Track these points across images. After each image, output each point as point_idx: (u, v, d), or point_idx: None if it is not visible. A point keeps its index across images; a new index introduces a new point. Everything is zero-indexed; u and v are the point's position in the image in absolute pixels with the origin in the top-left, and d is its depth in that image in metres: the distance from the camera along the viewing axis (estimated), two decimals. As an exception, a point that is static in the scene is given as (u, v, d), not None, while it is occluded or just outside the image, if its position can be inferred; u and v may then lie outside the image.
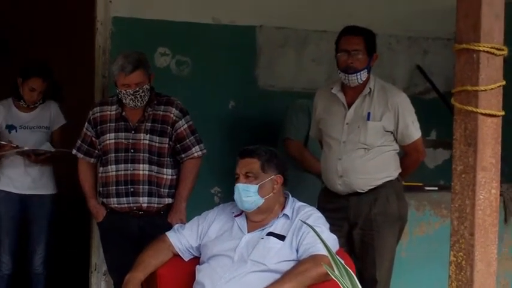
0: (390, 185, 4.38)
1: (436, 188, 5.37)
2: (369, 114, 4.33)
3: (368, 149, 4.33)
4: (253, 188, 3.64)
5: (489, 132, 2.27)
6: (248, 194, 3.64)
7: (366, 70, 4.31)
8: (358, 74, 4.29)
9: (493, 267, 2.31)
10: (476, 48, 2.26)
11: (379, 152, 4.35)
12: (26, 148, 5.01)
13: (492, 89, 2.27)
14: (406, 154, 4.49)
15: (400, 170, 4.45)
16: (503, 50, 2.30)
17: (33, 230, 5.21)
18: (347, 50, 4.31)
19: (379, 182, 4.36)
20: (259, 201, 3.65)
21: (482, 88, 2.25)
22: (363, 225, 4.33)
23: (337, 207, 4.29)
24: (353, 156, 4.34)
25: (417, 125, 4.42)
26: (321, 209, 3.98)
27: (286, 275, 3.42)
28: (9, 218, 5.12)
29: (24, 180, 5.12)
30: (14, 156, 5.06)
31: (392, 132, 4.36)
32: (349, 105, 4.39)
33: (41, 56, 5.29)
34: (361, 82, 4.33)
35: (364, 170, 4.33)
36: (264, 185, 3.66)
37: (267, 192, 3.67)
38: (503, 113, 2.31)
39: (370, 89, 4.36)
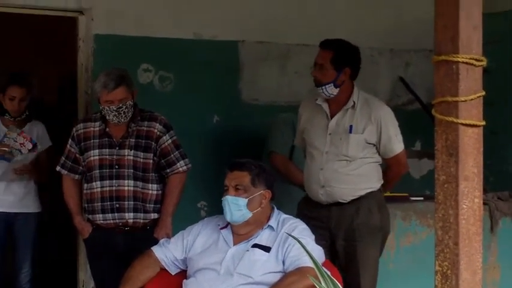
0: (372, 196, 4.39)
1: (422, 198, 5.38)
2: (351, 127, 4.34)
3: (350, 161, 4.34)
4: (243, 201, 3.64)
5: (470, 142, 2.29)
6: (237, 208, 3.64)
7: (331, 84, 4.30)
8: (324, 87, 4.31)
9: (478, 276, 2.32)
10: (455, 59, 2.27)
11: (361, 163, 4.36)
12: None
13: (472, 99, 2.28)
14: (388, 167, 4.50)
15: (382, 182, 4.47)
16: (482, 60, 2.31)
17: (18, 248, 5.17)
18: (315, 63, 4.38)
19: (361, 193, 4.37)
20: (248, 214, 3.65)
21: (462, 99, 2.26)
22: (346, 237, 4.33)
23: (318, 216, 4.27)
24: (335, 167, 4.35)
25: (400, 138, 4.43)
26: (301, 216, 4.00)
27: (274, 286, 3.42)
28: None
29: (8, 198, 5.09)
30: None
31: (375, 145, 4.38)
32: (332, 116, 4.40)
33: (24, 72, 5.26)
34: (330, 95, 4.34)
35: (346, 180, 4.34)
36: (254, 199, 3.66)
37: (256, 206, 3.67)
38: (483, 123, 2.32)
39: (353, 102, 4.37)
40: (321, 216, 4.27)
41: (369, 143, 4.35)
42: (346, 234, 4.33)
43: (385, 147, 4.37)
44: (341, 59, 4.34)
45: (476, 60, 2.29)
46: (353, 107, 4.37)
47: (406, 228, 5.11)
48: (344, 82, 4.35)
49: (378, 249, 4.46)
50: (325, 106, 4.42)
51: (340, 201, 4.37)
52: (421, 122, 5.90)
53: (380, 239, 4.46)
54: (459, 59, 2.26)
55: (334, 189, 4.34)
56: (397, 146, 4.41)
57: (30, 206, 5.17)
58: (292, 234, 3.50)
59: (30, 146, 5.04)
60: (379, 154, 4.41)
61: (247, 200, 3.64)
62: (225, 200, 3.66)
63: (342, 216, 4.35)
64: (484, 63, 2.32)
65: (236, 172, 3.70)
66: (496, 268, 5.41)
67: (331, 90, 4.32)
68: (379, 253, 4.47)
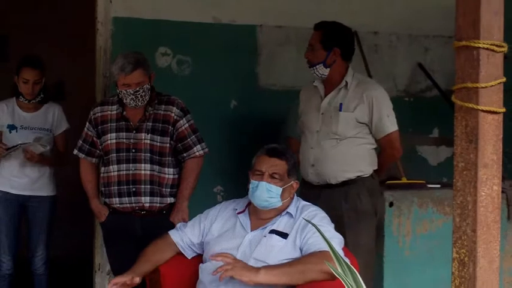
0: (362, 182, 4.42)
1: (439, 186, 5.35)
2: (341, 105, 4.40)
3: (339, 139, 4.38)
4: (277, 190, 3.63)
5: (490, 129, 2.27)
6: (271, 195, 3.62)
7: (321, 64, 4.39)
8: (315, 67, 4.42)
9: (496, 264, 2.31)
10: (476, 45, 2.25)
11: (351, 144, 4.39)
12: (18, 144, 5.00)
13: (493, 85, 2.26)
14: (381, 149, 4.54)
15: (375, 167, 4.49)
16: (503, 46, 2.29)
17: (33, 231, 5.20)
18: (308, 44, 4.46)
19: (351, 175, 4.40)
20: (279, 203, 3.65)
21: (483, 85, 2.24)
22: (334, 221, 4.31)
23: (310, 197, 4.21)
24: (324, 146, 4.40)
25: (393, 119, 4.45)
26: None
27: (289, 262, 3.42)
28: (8, 218, 5.11)
29: (22, 180, 5.11)
30: (11, 155, 5.04)
31: (367, 125, 4.40)
32: (326, 96, 4.48)
33: (42, 56, 5.26)
34: (322, 76, 4.43)
35: (335, 159, 4.38)
36: (286, 189, 3.66)
37: (286, 196, 3.67)
38: (504, 109, 2.30)
39: (346, 82, 4.43)
40: (311, 198, 4.21)
41: (361, 122, 4.39)
42: (334, 218, 4.32)
43: (376, 126, 4.41)
44: (330, 38, 4.41)
45: (497, 46, 2.26)
46: (346, 86, 4.44)
47: (423, 215, 5.09)
48: (335, 62, 4.42)
49: (371, 236, 4.46)
50: (321, 87, 4.51)
51: (328, 182, 4.40)
52: (438, 109, 5.88)
53: (373, 225, 4.46)
54: (480, 45, 2.24)
55: (323, 169, 4.39)
56: (389, 126, 4.43)
57: (44, 189, 5.18)
58: (312, 221, 3.48)
59: None
60: (373, 136, 4.44)
61: (281, 189, 3.63)
62: (258, 185, 3.62)
63: (330, 199, 4.37)
64: (505, 49, 2.30)
65: (275, 159, 3.67)
66: (512, 257, 5.39)
67: (322, 70, 4.41)
68: (371, 240, 4.47)
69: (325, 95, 4.48)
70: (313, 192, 4.40)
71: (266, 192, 3.61)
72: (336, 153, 4.38)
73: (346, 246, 4.21)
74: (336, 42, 4.42)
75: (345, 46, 4.47)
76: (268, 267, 3.38)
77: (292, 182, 3.70)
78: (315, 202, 4.07)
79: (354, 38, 4.64)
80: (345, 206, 4.37)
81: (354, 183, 4.41)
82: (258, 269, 3.35)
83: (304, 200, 3.84)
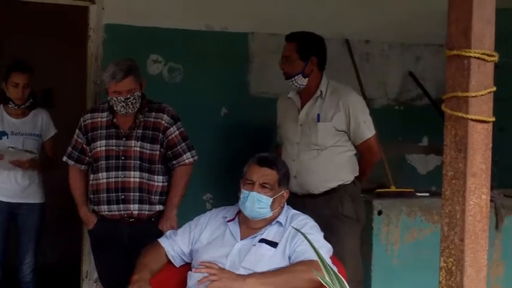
0: (344, 189, 4.46)
1: (428, 194, 5.37)
2: (318, 116, 4.42)
3: (320, 150, 4.41)
4: (267, 200, 3.61)
5: (479, 138, 2.27)
6: (261, 205, 3.61)
7: (300, 75, 4.42)
8: (293, 79, 4.44)
9: (483, 273, 2.31)
10: (467, 54, 2.25)
11: (332, 153, 4.42)
12: (7, 147, 4.99)
13: (483, 95, 2.26)
14: (360, 155, 4.57)
15: (357, 173, 4.53)
16: (494, 56, 2.29)
17: (21, 238, 5.18)
18: (282, 56, 4.48)
19: (333, 185, 4.43)
20: (269, 213, 3.64)
21: (473, 94, 2.25)
22: None
23: (296, 207, 4.13)
24: (306, 157, 4.43)
25: (370, 125, 4.49)
26: None
27: (276, 270, 3.40)
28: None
29: (12, 188, 5.09)
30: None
31: (346, 132, 4.43)
32: (302, 108, 4.50)
33: (32, 62, 5.25)
34: (300, 86, 4.45)
35: (317, 170, 4.41)
36: (276, 199, 3.65)
37: (277, 206, 3.66)
38: (493, 119, 2.31)
39: (321, 91, 4.46)
40: (297, 208, 4.22)
41: (339, 130, 4.42)
42: (320, 227, 4.33)
43: (354, 133, 4.45)
44: (306, 48, 4.44)
45: (488, 55, 2.27)
46: (321, 96, 4.46)
47: (411, 224, 5.10)
48: (312, 71, 4.45)
49: (355, 241, 4.48)
50: (296, 99, 4.55)
51: (312, 192, 4.43)
52: (429, 118, 5.89)
53: (356, 230, 4.48)
54: (471, 54, 2.24)
55: (306, 180, 4.42)
56: (366, 131, 4.47)
57: (34, 196, 5.17)
58: (302, 230, 3.46)
59: None
60: (351, 142, 4.48)
61: (271, 199, 3.62)
62: (250, 196, 3.61)
63: (314, 207, 4.37)
64: (496, 58, 2.30)
65: (266, 169, 3.66)
66: (500, 265, 5.40)
67: (301, 80, 4.44)
68: (357, 246, 4.48)
69: (302, 106, 4.51)
70: (298, 202, 4.38)
71: (256, 202, 3.60)
72: (317, 164, 4.41)
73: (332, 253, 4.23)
74: (312, 51, 4.47)
75: (320, 55, 4.51)
76: (255, 275, 3.37)
77: (283, 191, 3.69)
78: (301, 212, 4.08)
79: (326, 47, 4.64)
80: (327, 213, 4.40)
81: (337, 191, 4.45)
82: (244, 277, 3.34)
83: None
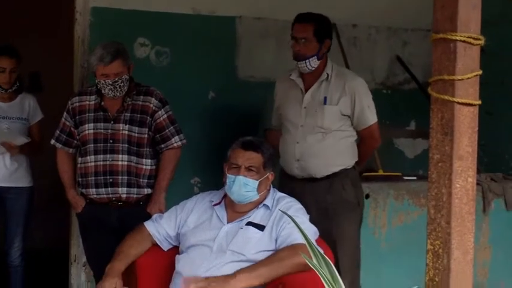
0: (345, 174, 4.44)
1: (415, 178, 5.39)
2: (325, 98, 4.41)
3: (325, 133, 4.39)
4: (254, 183, 3.63)
5: (466, 121, 2.28)
6: (247, 189, 3.62)
7: (315, 57, 4.38)
8: (307, 61, 4.37)
9: (470, 256, 2.32)
10: (453, 37, 2.26)
11: (336, 137, 4.41)
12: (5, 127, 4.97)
13: (469, 78, 2.27)
14: (361, 140, 4.55)
15: (356, 159, 4.52)
16: (480, 39, 2.30)
17: (10, 222, 5.17)
18: (296, 37, 4.40)
19: (335, 169, 4.41)
20: (255, 196, 3.65)
21: (459, 77, 2.25)
22: (320, 214, 4.32)
23: (292, 191, 4.18)
24: (310, 140, 4.40)
25: (373, 110, 4.48)
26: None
27: (263, 261, 3.41)
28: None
29: (0, 171, 5.08)
30: None
31: (349, 117, 4.43)
32: (307, 90, 4.47)
33: (19, 46, 5.23)
34: (312, 69, 4.40)
35: (321, 154, 4.38)
36: (262, 181, 3.66)
37: (263, 188, 3.68)
38: (479, 102, 2.32)
39: (327, 74, 4.44)
40: (295, 191, 4.20)
41: (344, 115, 4.41)
42: (320, 211, 4.33)
43: (358, 118, 4.43)
44: (322, 31, 4.42)
45: (474, 39, 2.28)
46: (327, 79, 4.45)
47: (399, 207, 5.13)
48: (323, 54, 4.42)
49: (356, 226, 4.49)
50: (299, 81, 4.50)
51: (313, 176, 4.41)
52: (416, 102, 5.90)
53: (357, 215, 4.49)
54: (457, 37, 2.25)
55: (309, 163, 4.40)
56: (370, 117, 4.46)
57: (22, 180, 5.16)
58: (287, 212, 3.48)
59: None
60: (354, 127, 4.46)
61: (258, 182, 3.64)
62: (236, 180, 3.62)
63: (315, 191, 4.38)
64: (482, 42, 2.31)
65: (251, 152, 3.67)
66: (487, 249, 5.44)
67: (314, 63, 4.40)
68: (357, 231, 4.49)
69: (305, 88, 4.47)
70: (298, 185, 4.40)
71: (243, 186, 3.62)
72: (322, 147, 4.39)
73: (334, 238, 4.24)
74: (327, 34, 4.45)
75: (331, 38, 4.50)
76: (244, 270, 3.37)
77: (268, 174, 3.70)
78: (300, 195, 4.09)
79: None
80: (330, 198, 4.39)
81: (338, 176, 4.43)
82: (234, 275, 3.34)
83: (289, 194, 3.85)
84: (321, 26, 4.41)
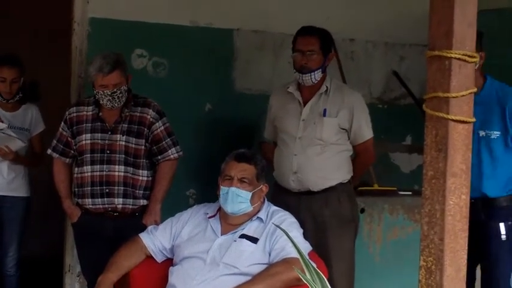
0: (342, 187, 4.44)
1: (410, 193, 5.40)
2: (325, 110, 4.40)
3: (324, 146, 4.38)
4: (247, 194, 3.65)
5: (460, 139, 2.29)
6: (240, 200, 3.64)
7: (320, 70, 4.38)
8: (313, 74, 4.37)
9: (463, 272, 2.33)
10: (448, 55, 2.28)
11: (334, 151, 4.40)
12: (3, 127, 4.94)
13: (463, 95, 2.29)
14: (356, 155, 4.55)
15: (352, 174, 4.51)
16: (475, 57, 2.32)
17: (5, 231, 5.14)
18: (302, 50, 4.39)
19: (333, 183, 4.41)
20: (249, 208, 3.67)
21: (454, 95, 2.27)
22: (316, 228, 4.32)
23: (287, 204, 4.19)
24: (309, 153, 4.39)
25: (370, 125, 4.50)
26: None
27: (257, 277, 3.42)
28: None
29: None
30: None
31: (346, 131, 4.43)
32: (305, 103, 4.47)
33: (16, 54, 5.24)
34: (315, 82, 4.40)
35: (319, 167, 4.37)
36: (256, 193, 3.68)
37: (256, 200, 3.70)
38: (474, 119, 2.33)
39: (326, 87, 4.44)
40: (289, 204, 4.21)
41: (342, 128, 4.41)
42: (316, 226, 4.33)
43: (355, 132, 4.44)
44: (327, 43, 4.44)
45: (469, 56, 2.29)
46: (326, 92, 4.44)
47: (393, 222, 5.13)
48: (326, 67, 4.44)
49: (352, 241, 4.47)
50: (297, 94, 4.49)
51: (310, 189, 4.40)
52: (413, 117, 5.90)
53: (353, 230, 4.48)
54: (452, 55, 2.26)
55: (306, 176, 4.38)
56: (367, 132, 4.48)
57: (18, 189, 5.14)
58: (281, 226, 3.49)
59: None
60: (350, 142, 4.47)
61: (251, 193, 3.65)
62: (229, 191, 3.65)
63: (310, 205, 4.38)
64: (477, 59, 2.33)
65: (244, 164, 3.70)
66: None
67: (319, 75, 4.40)
68: (353, 245, 4.48)
69: (304, 101, 4.46)
70: (293, 199, 4.39)
71: (236, 197, 3.63)
72: (321, 160, 4.37)
73: (329, 252, 4.24)
74: (331, 47, 4.50)
75: (333, 51, 4.54)
76: None
77: (262, 185, 3.72)
78: (295, 209, 4.10)
79: None
80: (326, 212, 4.38)
81: (334, 189, 4.41)
82: None
83: (283, 207, 3.86)
84: (325, 40, 4.43)
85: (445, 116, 2.27)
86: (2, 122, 4.96)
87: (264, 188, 3.74)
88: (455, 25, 2.30)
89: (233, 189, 3.64)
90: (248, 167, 3.69)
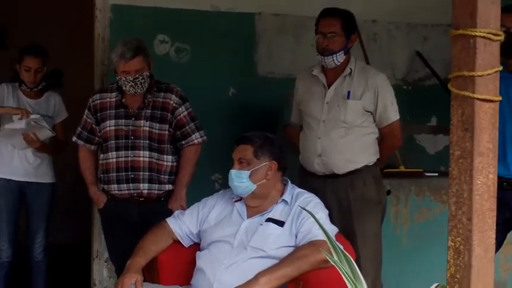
0: (367, 170, 4.41)
1: (436, 174, 5.37)
2: (348, 92, 4.37)
3: (348, 128, 4.36)
4: (245, 173, 3.66)
5: (486, 118, 2.27)
6: (240, 180, 3.66)
7: (342, 52, 4.34)
8: (334, 56, 4.33)
9: (491, 252, 2.31)
10: (472, 33, 2.25)
11: (359, 133, 4.37)
12: (33, 116, 4.96)
13: (489, 74, 2.26)
14: (382, 138, 4.51)
15: (378, 156, 4.48)
16: (499, 35, 2.29)
17: (32, 218, 5.20)
18: (323, 32, 4.36)
19: (357, 166, 4.38)
20: (252, 186, 3.67)
21: (479, 73, 2.24)
22: (341, 210, 4.32)
23: (313, 187, 4.16)
24: (333, 136, 4.37)
25: (396, 107, 4.44)
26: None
27: (284, 260, 3.42)
28: (9, 206, 5.11)
29: (23, 166, 5.11)
30: (13, 137, 5.02)
31: (371, 113, 4.39)
32: (329, 86, 4.44)
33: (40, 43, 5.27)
34: (338, 64, 4.37)
35: (343, 149, 4.35)
36: (257, 171, 3.67)
37: (260, 178, 3.68)
38: (500, 98, 2.30)
39: (350, 69, 4.41)
40: (316, 188, 4.20)
41: (367, 111, 4.38)
42: (342, 208, 4.32)
43: (380, 115, 4.40)
44: (349, 25, 4.40)
45: (494, 34, 2.26)
46: (350, 74, 4.41)
47: (420, 203, 5.11)
48: (349, 49, 4.40)
49: (378, 223, 4.45)
50: (322, 76, 4.46)
51: (335, 172, 4.38)
52: (437, 98, 5.87)
53: (379, 213, 4.45)
54: (477, 33, 2.24)
55: (331, 159, 4.36)
56: (393, 114, 4.43)
57: (44, 176, 5.19)
58: (306, 208, 3.49)
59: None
60: (375, 124, 4.43)
61: (249, 172, 3.66)
62: (229, 174, 3.71)
63: (336, 188, 4.36)
64: (502, 37, 2.30)
65: (241, 145, 3.74)
66: (509, 245, 5.40)
67: (341, 57, 4.36)
68: (379, 228, 4.46)
69: (328, 84, 4.45)
70: (318, 182, 4.38)
71: (236, 178, 3.68)
72: (345, 143, 4.35)
73: (355, 235, 4.23)
74: (353, 29, 4.44)
75: (356, 33, 4.49)
76: (265, 272, 3.37)
77: (266, 162, 3.70)
78: (321, 192, 4.08)
79: None
80: (351, 195, 4.36)
81: (360, 172, 4.39)
82: (256, 279, 3.34)
83: (310, 191, 3.85)
84: (347, 21, 4.38)
85: (470, 95, 2.24)
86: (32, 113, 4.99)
87: (272, 165, 3.70)
88: (479, 3, 2.27)
89: (232, 171, 3.70)
90: (244, 147, 3.72)
